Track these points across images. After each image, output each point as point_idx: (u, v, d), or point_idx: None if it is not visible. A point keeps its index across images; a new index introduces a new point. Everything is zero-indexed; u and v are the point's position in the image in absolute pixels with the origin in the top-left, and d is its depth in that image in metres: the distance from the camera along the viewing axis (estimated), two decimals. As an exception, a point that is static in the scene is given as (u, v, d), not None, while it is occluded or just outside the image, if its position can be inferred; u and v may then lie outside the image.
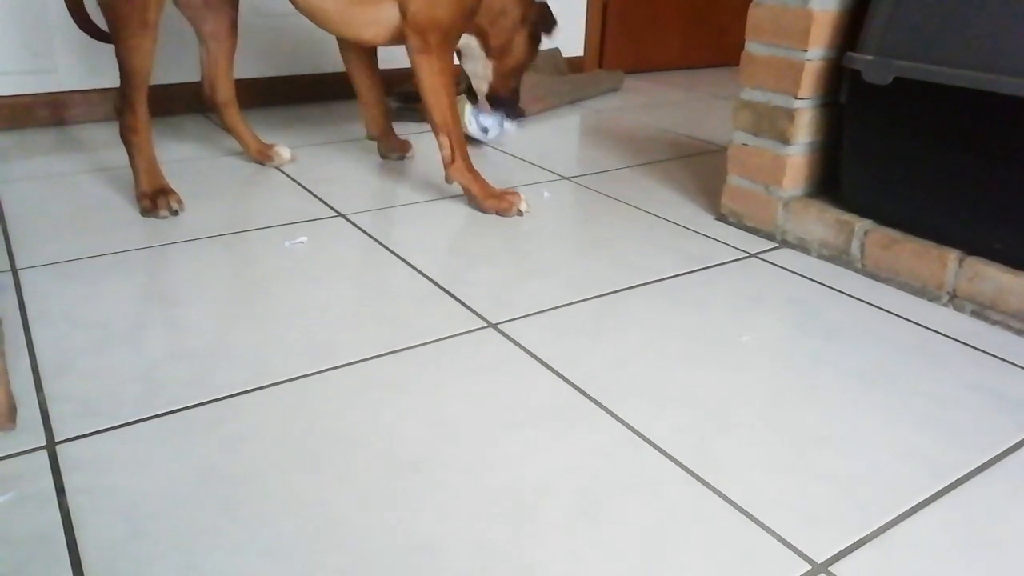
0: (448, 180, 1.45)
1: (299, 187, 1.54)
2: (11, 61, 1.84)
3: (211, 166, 1.66)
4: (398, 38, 1.41)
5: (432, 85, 1.38)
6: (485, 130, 1.80)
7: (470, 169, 1.44)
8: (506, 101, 1.66)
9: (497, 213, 1.43)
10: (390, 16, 1.37)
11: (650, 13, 2.90)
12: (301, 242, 1.27)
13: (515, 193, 1.45)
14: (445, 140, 1.41)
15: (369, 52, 1.64)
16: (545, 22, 1.60)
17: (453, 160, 1.42)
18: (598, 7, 2.76)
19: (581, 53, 2.79)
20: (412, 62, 1.39)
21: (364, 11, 1.37)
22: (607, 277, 1.18)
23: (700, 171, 1.73)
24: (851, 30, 1.24)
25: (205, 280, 1.13)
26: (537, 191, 1.57)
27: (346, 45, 1.62)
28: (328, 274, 1.16)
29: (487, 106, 1.66)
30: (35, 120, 1.90)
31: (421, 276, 1.17)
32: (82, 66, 1.91)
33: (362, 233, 1.32)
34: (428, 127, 1.48)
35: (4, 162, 1.63)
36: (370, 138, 1.76)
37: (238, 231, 1.31)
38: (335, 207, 1.43)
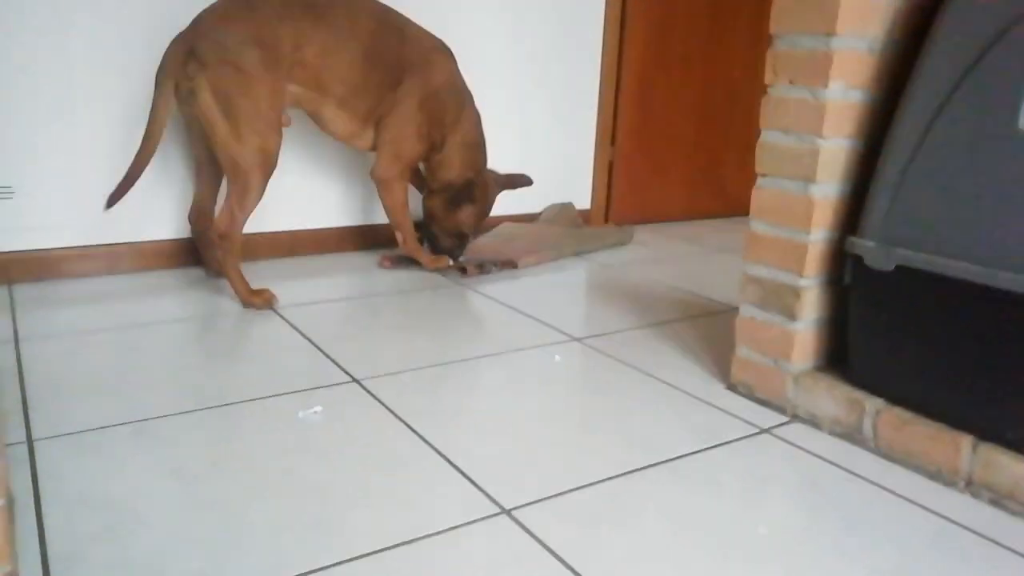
0: (400, 255, 2.19)
1: (311, 346, 1.56)
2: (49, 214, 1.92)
3: (215, 324, 1.70)
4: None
5: (392, 202, 2.11)
6: None
7: (417, 249, 2.17)
8: (440, 245, 2.21)
9: (437, 269, 2.17)
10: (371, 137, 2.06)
11: (656, 166, 3.03)
12: (315, 412, 1.28)
13: (443, 256, 2.18)
14: (399, 234, 2.14)
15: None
16: (462, 193, 2.15)
17: (406, 243, 2.15)
18: (604, 162, 2.89)
19: (588, 206, 2.90)
20: (374, 178, 2.08)
21: (361, 134, 2.05)
22: (619, 457, 1.18)
23: (709, 333, 1.76)
24: (853, 213, 1.30)
25: (220, 454, 1.13)
26: (548, 354, 1.59)
27: None
28: (341, 449, 1.17)
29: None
30: (61, 272, 1.96)
31: (432, 451, 1.17)
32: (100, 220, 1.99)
33: (375, 401, 1.33)
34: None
35: (30, 315, 1.67)
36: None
37: (253, 398, 1.32)
38: (349, 371, 1.45)
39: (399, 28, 2.00)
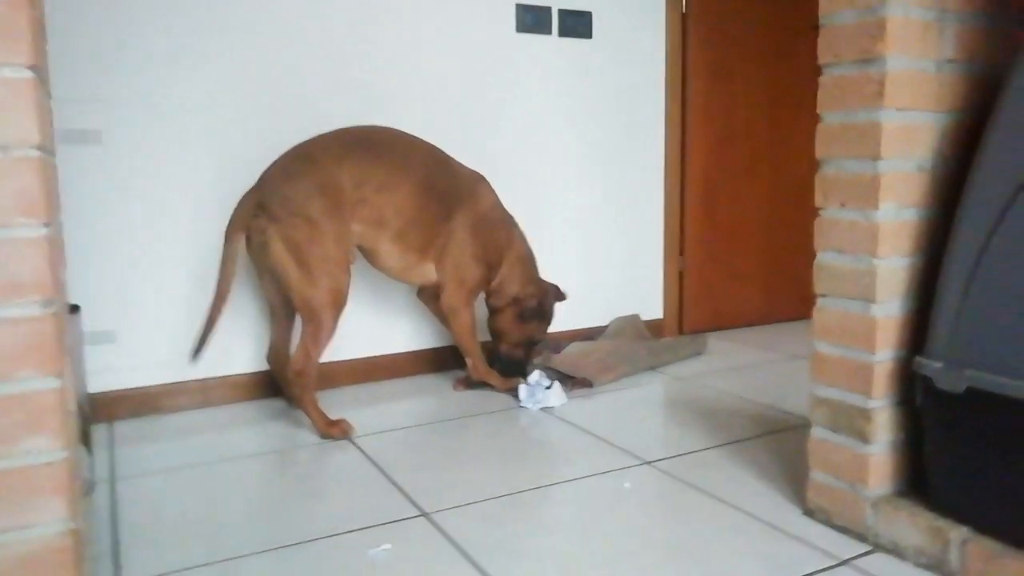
0: (472, 379, 2.25)
1: (383, 477, 1.60)
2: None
3: (295, 457, 1.76)
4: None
5: (460, 328, 2.17)
6: (538, 401, 2.09)
7: (488, 372, 2.22)
8: (506, 361, 2.25)
9: (508, 390, 2.20)
10: (430, 271, 2.14)
11: (728, 272, 3.03)
12: (384, 549, 1.30)
13: (513, 378, 2.21)
14: (469, 360, 2.21)
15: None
16: (534, 307, 2.24)
17: (476, 368, 2.22)
18: (674, 272, 2.91)
19: (660, 316, 2.90)
20: (443, 308, 2.16)
21: (415, 267, 2.10)
22: (690, 592, 1.15)
23: (784, 452, 1.71)
24: (920, 331, 1.27)
25: (292, 597, 1.17)
26: (619, 480, 1.58)
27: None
28: (409, 589, 1.18)
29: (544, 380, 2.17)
30: (158, 407, 2.09)
31: (500, 591, 1.17)
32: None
33: (443, 538, 1.35)
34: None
35: (127, 451, 1.78)
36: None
37: (328, 535, 1.36)
38: (419, 504, 1.48)
39: (446, 162, 2.13)
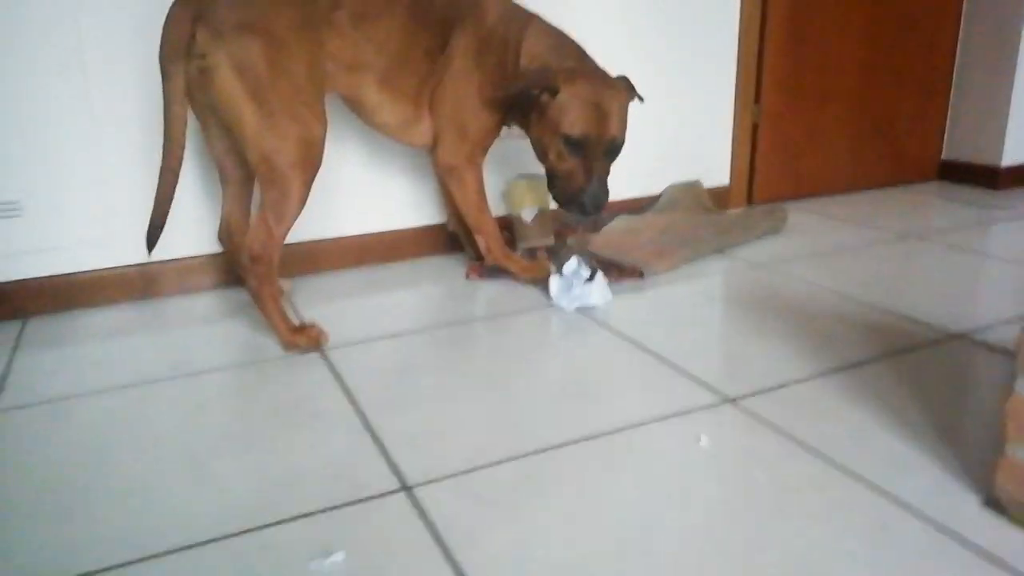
0: (489, 264, 1.72)
1: (358, 422, 1.13)
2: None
3: (242, 379, 1.30)
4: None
5: (466, 196, 1.64)
6: (575, 298, 1.56)
7: (506, 256, 1.70)
8: (575, 199, 1.49)
9: (533, 280, 1.68)
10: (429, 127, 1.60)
11: (812, 126, 2.41)
12: (336, 562, 0.84)
13: (542, 261, 1.72)
14: (482, 239, 1.69)
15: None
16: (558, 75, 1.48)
17: (491, 251, 1.69)
18: (746, 124, 2.31)
19: (727, 182, 2.33)
20: (439, 168, 1.62)
21: (416, 121, 1.58)
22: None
23: (928, 388, 1.20)
24: None
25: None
26: (689, 431, 1.09)
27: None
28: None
29: (584, 272, 1.59)
30: (82, 301, 1.62)
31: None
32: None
33: (428, 535, 0.88)
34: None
35: (30, 358, 1.33)
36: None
37: (261, 525, 0.91)
38: (401, 470, 1.01)
39: None
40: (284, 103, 1.31)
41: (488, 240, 1.68)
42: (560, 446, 1.06)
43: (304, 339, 1.39)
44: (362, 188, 1.85)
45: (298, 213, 1.38)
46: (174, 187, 1.34)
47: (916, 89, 2.54)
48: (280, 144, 1.32)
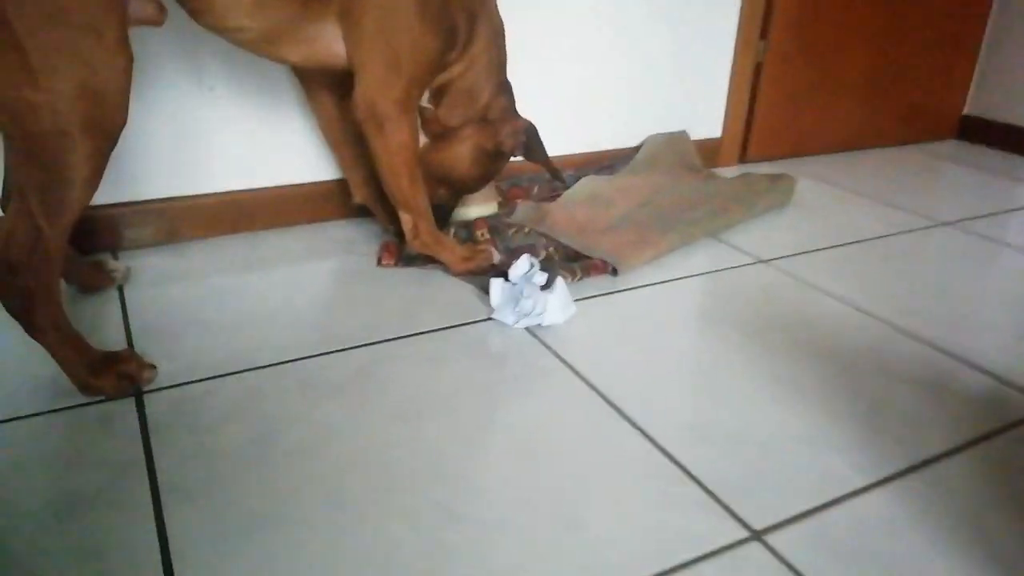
0: (411, 252, 1.26)
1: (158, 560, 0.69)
2: None
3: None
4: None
5: (391, 155, 1.14)
6: (524, 313, 1.10)
7: (437, 240, 1.24)
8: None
9: (471, 274, 1.24)
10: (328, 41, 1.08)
11: (823, 72, 1.96)
12: None
13: (484, 248, 1.27)
14: (406, 215, 1.21)
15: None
16: (529, 145, 1.26)
17: (419, 234, 1.22)
18: (747, 65, 1.84)
19: (718, 134, 1.88)
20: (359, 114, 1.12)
21: (293, 29, 1.05)
22: None
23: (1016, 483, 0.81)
24: None
25: None
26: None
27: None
28: None
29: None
30: None
31: None
32: None
33: None
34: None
35: None
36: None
37: None
38: None
39: None
40: (49, 33, 0.79)
41: (417, 219, 1.22)
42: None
43: (108, 383, 0.92)
44: (235, 128, 1.34)
45: (86, 201, 0.87)
46: None
47: (945, 34, 2.10)
48: (44, 97, 0.80)
